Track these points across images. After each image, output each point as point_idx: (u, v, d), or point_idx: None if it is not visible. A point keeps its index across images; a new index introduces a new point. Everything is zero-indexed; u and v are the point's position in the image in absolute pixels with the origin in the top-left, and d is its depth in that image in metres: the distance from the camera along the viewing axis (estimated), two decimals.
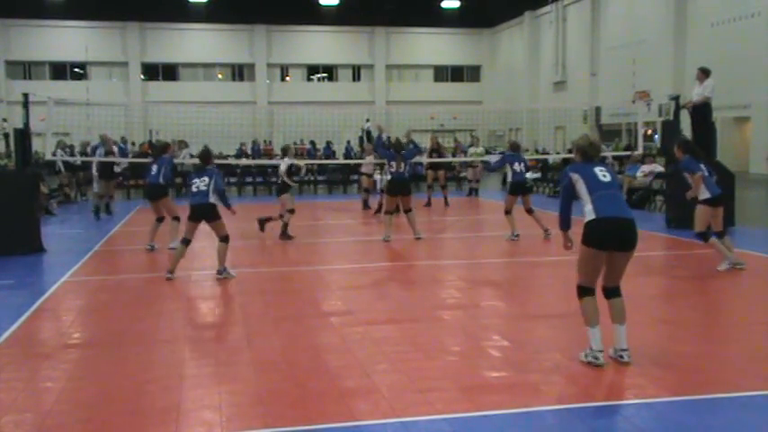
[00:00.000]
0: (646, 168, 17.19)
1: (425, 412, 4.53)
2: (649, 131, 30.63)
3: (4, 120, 32.36)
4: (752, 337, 6.29)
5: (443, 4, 43.47)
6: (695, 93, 13.33)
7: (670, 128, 13.90)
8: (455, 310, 7.52)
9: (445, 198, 18.43)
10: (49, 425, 4.49)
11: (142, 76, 45.14)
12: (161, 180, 11.22)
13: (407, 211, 12.06)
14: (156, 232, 11.45)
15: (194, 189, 9.03)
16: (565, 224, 5.85)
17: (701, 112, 13.20)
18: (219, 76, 47.71)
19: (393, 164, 12.00)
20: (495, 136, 44.76)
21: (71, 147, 22.33)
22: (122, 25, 43.91)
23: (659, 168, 16.48)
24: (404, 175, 11.97)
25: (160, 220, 11.46)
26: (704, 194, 9.10)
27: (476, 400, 4.74)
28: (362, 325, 6.83)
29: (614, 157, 23.31)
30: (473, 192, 21.47)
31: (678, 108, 13.86)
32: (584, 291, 5.47)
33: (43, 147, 20.85)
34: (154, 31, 44.85)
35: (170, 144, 12.05)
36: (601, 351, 5.36)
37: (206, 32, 45.42)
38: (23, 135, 11.93)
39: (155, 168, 11.24)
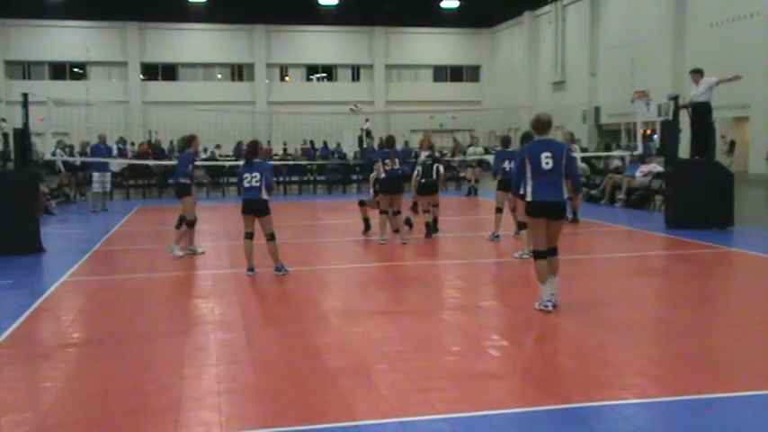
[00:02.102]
0: (645, 168, 17.20)
1: (425, 412, 4.53)
2: (648, 131, 30.64)
3: (4, 120, 32.32)
4: (752, 337, 6.29)
5: (443, 4, 43.44)
6: (693, 93, 13.33)
7: (669, 128, 13.90)
8: (454, 309, 7.52)
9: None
10: (48, 424, 4.49)
11: (141, 76, 45.11)
12: (180, 178, 10.77)
13: (396, 213, 11.82)
14: (184, 237, 10.96)
15: (246, 184, 9.10)
16: (516, 190, 7.30)
17: (701, 112, 13.21)
18: (219, 75, 47.71)
19: (388, 161, 11.63)
20: (495, 136, 44.76)
21: (70, 147, 22.34)
22: (122, 25, 43.88)
23: (658, 168, 16.49)
24: (398, 173, 11.69)
25: (188, 223, 10.87)
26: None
27: (475, 399, 4.74)
28: (362, 325, 6.83)
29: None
30: (472, 191, 21.48)
31: (677, 108, 13.86)
32: (538, 254, 6.94)
33: (43, 146, 20.90)
34: (153, 30, 44.82)
35: (195, 137, 11.12)
36: (549, 301, 6.90)
37: (205, 32, 45.39)
38: (23, 135, 11.93)
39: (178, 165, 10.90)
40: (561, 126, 37.97)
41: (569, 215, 12.76)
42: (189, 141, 11.08)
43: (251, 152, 9.24)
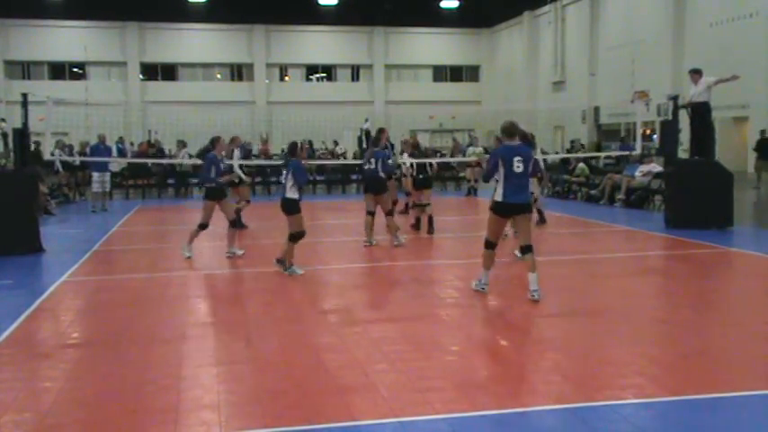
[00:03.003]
0: (644, 168, 17.20)
1: (424, 412, 4.53)
2: (648, 131, 30.64)
3: (3, 120, 32.30)
4: (752, 337, 6.29)
5: (442, 4, 43.43)
6: (693, 93, 13.33)
7: (669, 128, 13.91)
8: (454, 309, 7.52)
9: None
10: (48, 424, 4.48)
11: (141, 76, 45.09)
12: (206, 182, 10.52)
13: (386, 214, 11.52)
14: (234, 237, 10.77)
15: (282, 181, 9.27)
16: (486, 180, 8.45)
17: (700, 112, 13.21)
18: (218, 75, 47.69)
19: (372, 160, 11.38)
20: (494, 136, 44.70)
21: (70, 146, 22.33)
22: (121, 25, 43.85)
23: (658, 168, 16.49)
24: (376, 172, 11.29)
25: (232, 224, 10.70)
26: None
27: (474, 399, 4.74)
28: (361, 325, 6.83)
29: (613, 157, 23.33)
30: (472, 191, 21.48)
31: (677, 108, 13.86)
32: (488, 244, 7.80)
33: (42, 146, 20.87)
34: (153, 30, 44.79)
35: (218, 138, 10.79)
36: (487, 284, 7.85)
37: (205, 32, 45.36)
38: (22, 135, 11.92)
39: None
40: (561, 126, 38.14)
41: (536, 216, 12.99)
42: (213, 143, 10.86)
43: (289, 152, 9.49)
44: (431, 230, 12.76)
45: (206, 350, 6.05)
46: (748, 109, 27.56)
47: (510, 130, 7.68)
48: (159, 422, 4.49)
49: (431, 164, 12.85)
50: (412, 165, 12.82)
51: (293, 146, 9.51)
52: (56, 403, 4.84)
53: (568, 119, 37.52)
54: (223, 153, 11.02)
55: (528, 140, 9.55)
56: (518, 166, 7.46)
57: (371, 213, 11.43)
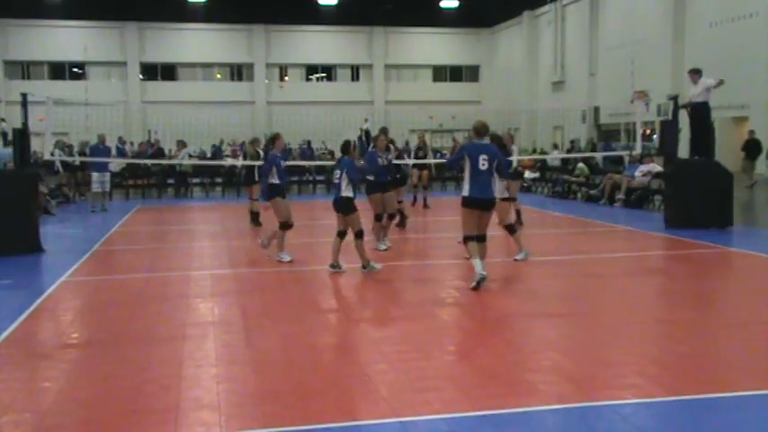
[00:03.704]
0: (644, 168, 17.20)
1: (424, 412, 4.53)
2: (648, 131, 30.63)
3: (3, 120, 32.31)
4: (752, 337, 6.29)
5: (442, 4, 43.43)
6: (692, 93, 13.34)
7: (669, 128, 13.91)
8: (453, 309, 7.51)
9: (425, 200, 17.76)
10: (47, 424, 4.48)
11: (141, 76, 45.07)
12: (269, 179, 10.22)
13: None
14: (284, 240, 10.26)
15: (335, 182, 9.24)
16: (449, 165, 9.03)
17: (700, 112, 13.21)
18: (218, 75, 47.69)
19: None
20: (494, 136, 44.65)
21: (69, 146, 22.33)
22: (121, 25, 43.84)
23: (657, 168, 16.49)
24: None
25: (283, 226, 10.22)
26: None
27: (474, 399, 4.74)
28: (361, 325, 6.82)
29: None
30: None
31: (677, 108, 13.87)
32: (468, 238, 8.19)
33: (42, 146, 20.88)
34: (152, 30, 44.78)
35: (278, 136, 10.50)
36: (483, 272, 8.01)
37: (204, 32, 45.36)
38: (22, 135, 11.92)
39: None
40: (561, 126, 38.13)
41: (514, 218, 12.73)
42: (272, 140, 10.56)
43: (342, 150, 9.49)
44: (402, 224, 13.04)
45: (206, 350, 6.05)
46: (748, 109, 27.55)
47: (480, 129, 8.18)
48: (159, 422, 4.49)
49: (406, 164, 12.89)
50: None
51: (346, 144, 9.48)
52: (56, 403, 4.84)
53: (568, 119, 37.50)
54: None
55: (500, 143, 9.39)
56: (483, 164, 7.96)
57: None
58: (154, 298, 8.17)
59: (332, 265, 9.26)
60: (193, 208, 19.87)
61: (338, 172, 9.21)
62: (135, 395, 4.95)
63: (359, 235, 9.10)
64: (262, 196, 10.93)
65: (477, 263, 8.06)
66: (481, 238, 8.20)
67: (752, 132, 21.76)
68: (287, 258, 10.08)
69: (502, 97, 45.56)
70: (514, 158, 13.90)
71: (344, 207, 9.12)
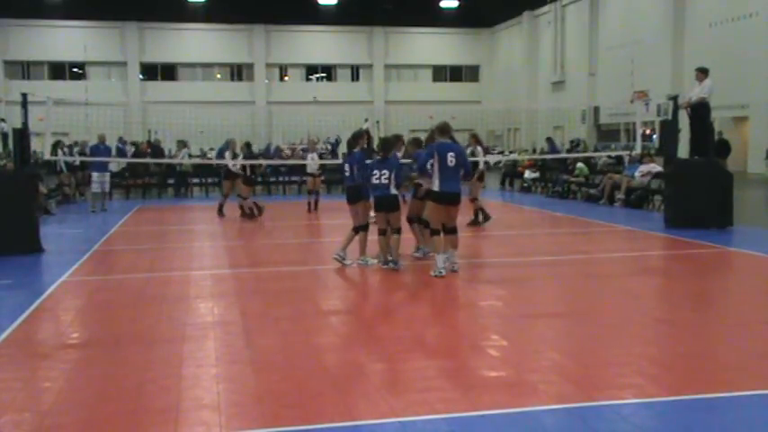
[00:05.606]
0: (644, 168, 17.19)
1: (424, 412, 4.52)
2: (648, 131, 30.65)
3: (3, 120, 32.31)
4: (752, 337, 6.29)
5: (442, 4, 43.45)
6: (694, 93, 13.35)
7: (669, 128, 13.91)
8: (453, 309, 7.51)
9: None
10: (47, 425, 4.48)
11: (141, 76, 45.12)
12: (353, 180, 9.68)
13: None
14: (365, 243, 9.71)
15: (375, 181, 9.18)
16: (419, 169, 9.10)
17: (700, 113, 13.21)
18: (218, 75, 47.70)
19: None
20: (494, 136, 44.74)
21: (70, 146, 22.33)
22: (121, 25, 43.89)
23: (657, 168, 16.49)
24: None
25: (357, 229, 9.67)
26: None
27: (474, 399, 4.74)
28: (361, 325, 6.81)
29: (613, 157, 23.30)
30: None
31: (676, 108, 13.87)
32: (434, 231, 8.81)
33: (42, 146, 20.88)
34: (152, 30, 44.83)
35: (362, 134, 10.11)
36: (444, 268, 8.60)
37: (205, 32, 45.40)
38: (22, 135, 11.92)
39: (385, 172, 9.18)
40: (561, 126, 38.12)
41: (480, 217, 13.82)
42: (357, 138, 10.03)
43: (384, 149, 9.46)
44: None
45: (206, 350, 6.05)
46: (748, 109, 27.58)
47: (445, 128, 8.90)
48: (159, 422, 4.49)
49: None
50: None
51: (387, 143, 9.51)
52: (56, 403, 4.84)
53: (568, 119, 37.52)
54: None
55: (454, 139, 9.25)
56: (451, 161, 8.62)
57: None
58: (154, 298, 8.17)
59: (386, 262, 9.35)
60: (193, 208, 19.87)
61: (386, 171, 9.05)
62: (135, 395, 4.95)
63: (398, 231, 9.35)
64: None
65: (440, 258, 8.62)
66: (452, 230, 8.85)
67: (720, 133, 21.70)
68: (372, 262, 9.63)
69: (502, 97, 45.61)
70: (480, 159, 14.23)
71: (393, 205, 9.29)
